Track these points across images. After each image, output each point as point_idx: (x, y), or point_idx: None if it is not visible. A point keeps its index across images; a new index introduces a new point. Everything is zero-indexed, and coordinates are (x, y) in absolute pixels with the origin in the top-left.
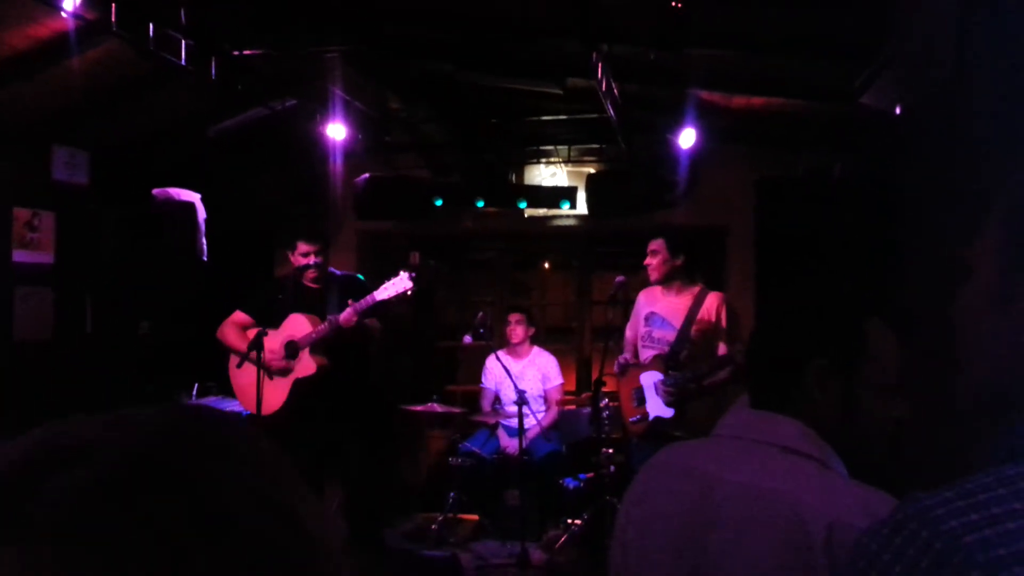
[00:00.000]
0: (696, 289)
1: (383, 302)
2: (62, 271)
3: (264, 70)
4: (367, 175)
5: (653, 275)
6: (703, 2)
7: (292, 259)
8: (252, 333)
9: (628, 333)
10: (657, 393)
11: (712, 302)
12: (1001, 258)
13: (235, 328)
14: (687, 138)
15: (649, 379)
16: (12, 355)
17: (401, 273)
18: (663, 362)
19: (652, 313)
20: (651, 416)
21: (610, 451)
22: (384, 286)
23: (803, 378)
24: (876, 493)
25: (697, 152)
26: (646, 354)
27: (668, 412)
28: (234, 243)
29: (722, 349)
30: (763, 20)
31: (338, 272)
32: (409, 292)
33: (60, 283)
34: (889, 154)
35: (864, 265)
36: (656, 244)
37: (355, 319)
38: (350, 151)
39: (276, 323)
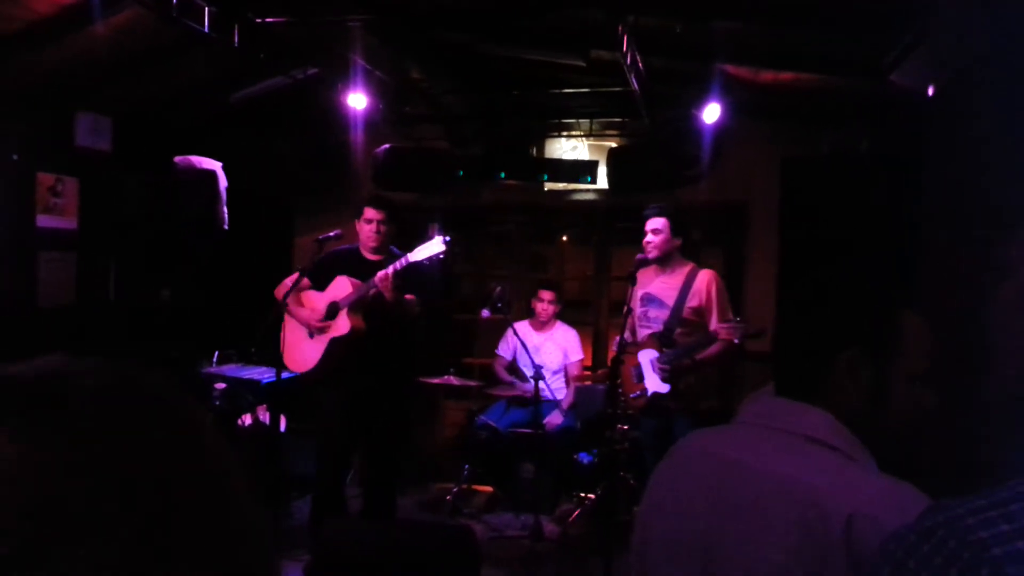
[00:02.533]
0: (688, 268)
1: (416, 265)
2: (85, 237)
3: (286, 38)
4: (387, 145)
5: (652, 253)
6: None
7: (357, 226)
8: (306, 296)
9: (625, 311)
10: (654, 370)
11: (703, 280)
12: None
13: (288, 288)
14: (711, 113)
15: (646, 357)
16: (36, 319)
17: (435, 236)
18: (657, 340)
19: (647, 294)
20: (649, 392)
21: (625, 427)
22: (417, 249)
23: (833, 367)
24: (901, 486)
25: (720, 128)
26: (643, 333)
27: (664, 388)
28: (254, 211)
29: (712, 325)
30: None
31: (398, 251)
32: (442, 255)
33: (83, 249)
34: (918, 134)
35: (892, 249)
36: (659, 223)
37: (391, 280)
38: (370, 121)
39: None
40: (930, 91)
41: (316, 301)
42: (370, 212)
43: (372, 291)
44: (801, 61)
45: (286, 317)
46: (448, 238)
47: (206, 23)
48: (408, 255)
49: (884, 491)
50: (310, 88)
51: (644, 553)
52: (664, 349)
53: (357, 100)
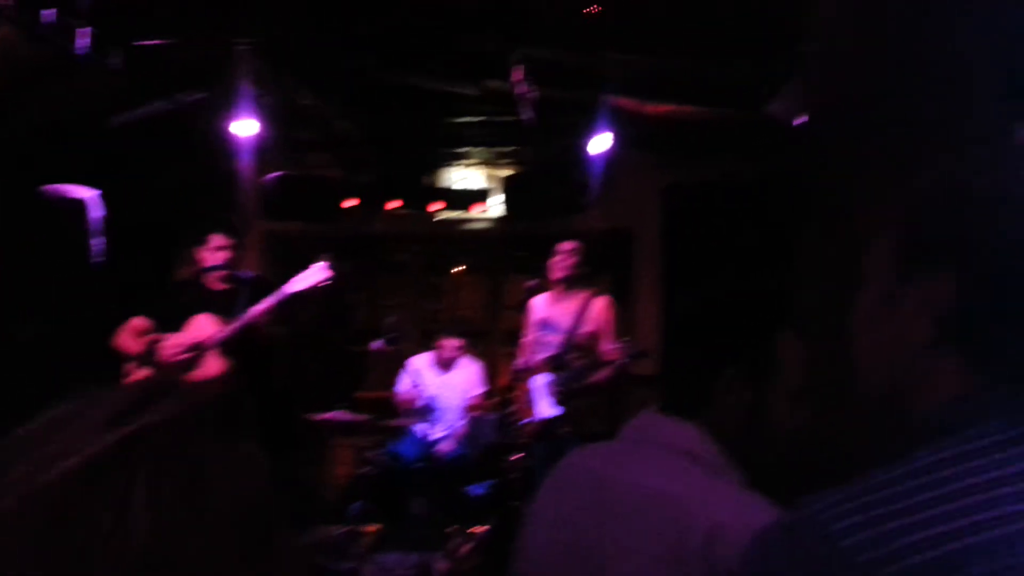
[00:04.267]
0: (584, 294)
1: (297, 296)
2: None
3: (170, 61)
4: (276, 173)
5: (557, 274)
6: (620, 7)
7: (200, 256)
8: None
9: (523, 339)
10: (546, 394)
11: (598, 306)
12: (892, 266)
13: (132, 335)
14: (601, 143)
15: (539, 381)
16: None
17: (316, 263)
18: (551, 364)
19: (543, 319)
20: (541, 416)
21: (517, 456)
22: (297, 277)
23: (714, 386)
24: (758, 500)
25: (610, 156)
26: (537, 358)
27: (557, 411)
28: (135, 242)
29: (604, 349)
30: (676, 27)
31: (245, 274)
32: (323, 284)
33: None
34: (793, 163)
35: (770, 272)
36: (569, 245)
37: (266, 315)
38: (259, 148)
39: (178, 327)
40: (800, 121)
41: (171, 343)
42: (219, 239)
43: (244, 329)
44: (682, 94)
45: (129, 367)
46: (330, 264)
47: (84, 45)
48: (286, 286)
49: (744, 504)
50: (195, 114)
51: (527, 572)
52: (558, 373)
53: (245, 126)
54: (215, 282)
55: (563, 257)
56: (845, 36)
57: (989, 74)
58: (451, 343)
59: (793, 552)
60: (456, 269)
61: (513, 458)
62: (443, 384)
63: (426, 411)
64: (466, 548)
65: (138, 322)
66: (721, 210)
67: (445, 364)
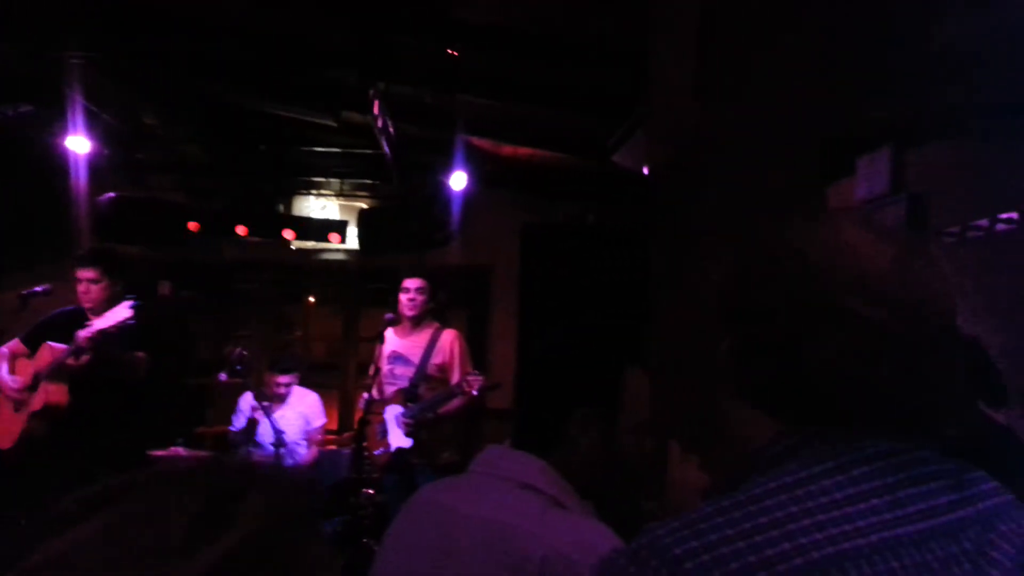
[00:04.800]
0: (433, 327)
1: (107, 333)
2: None
3: None
4: (112, 194)
5: (408, 312)
6: (478, 52)
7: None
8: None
9: (371, 371)
10: (398, 425)
11: (446, 339)
12: (734, 361)
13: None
14: (458, 181)
15: (391, 413)
16: None
17: (124, 302)
18: (403, 395)
19: (393, 352)
20: (392, 447)
21: (370, 492)
22: (104, 314)
23: (565, 425)
24: (596, 527)
25: (468, 194)
26: (389, 390)
27: (408, 442)
28: None
29: (454, 380)
30: (527, 75)
31: (68, 308)
32: (127, 323)
33: None
34: (638, 209)
35: (620, 312)
36: (416, 282)
37: (94, 341)
38: (94, 167)
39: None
40: (645, 171)
41: (21, 370)
42: (79, 272)
43: (78, 356)
44: (536, 138)
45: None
46: (136, 303)
47: None
48: (94, 321)
49: (579, 533)
50: (22, 127)
51: None
52: (409, 404)
53: (78, 143)
54: (91, 314)
55: (411, 295)
56: (683, 99)
57: (807, 136)
58: (283, 379)
59: (639, 574)
60: (309, 299)
61: (366, 493)
62: (279, 417)
63: (261, 446)
64: None
65: (15, 345)
66: (576, 251)
67: (278, 399)
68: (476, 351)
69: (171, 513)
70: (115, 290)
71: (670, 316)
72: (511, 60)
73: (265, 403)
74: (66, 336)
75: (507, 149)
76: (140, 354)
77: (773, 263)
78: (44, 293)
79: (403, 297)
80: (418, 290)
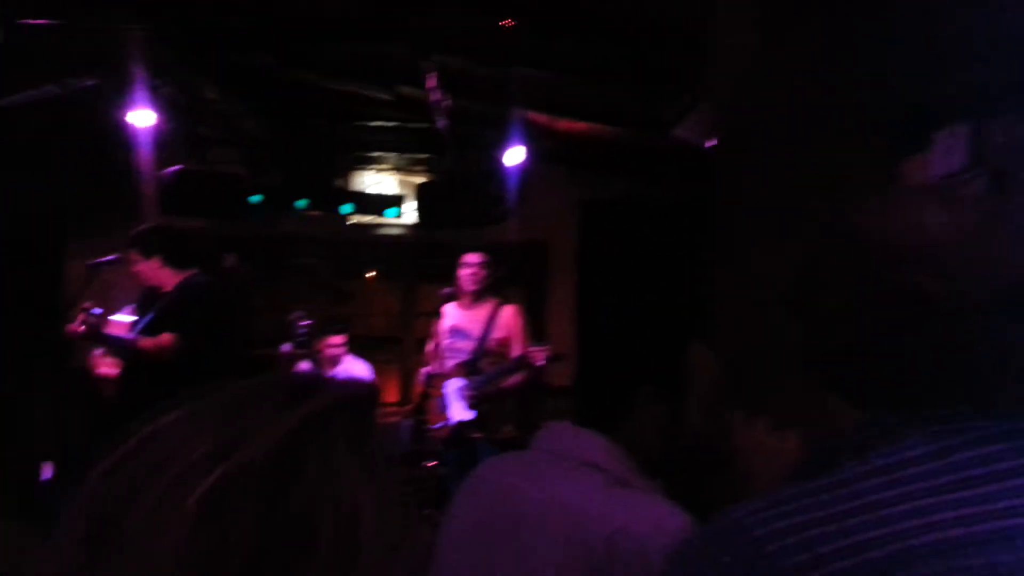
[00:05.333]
0: (493, 302)
1: (176, 301)
2: None
3: (59, 43)
4: (176, 167)
5: (469, 287)
6: (533, 23)
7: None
8: None
9: (430, 346)
10: (459, 398)
11: (507, 314)
12: (814, 349)
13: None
14: (514, 156)
15: (452, 386)
16: None
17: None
18: (464, 368)
19: (453, 326)
20: (454, 421)
21: (432, 464)
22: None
23: (631, 402)
24: (664, 505)
25: (524, 169)
26: (449, 364)
27: (469, 415)
28: (20, 233)
29: (515, 354)
30: (584, 48)
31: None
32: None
33: None
34: (698, 183)
35: (680, 288)
36: (477, 257)
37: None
38: (158, 140)
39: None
40: (706, 144)
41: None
42: (131, 254)
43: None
44: (592, 113)
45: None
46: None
47: None
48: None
49: (646, 511)
50: (88, 101)
51: None
52: (471, 377)
53: (142, 117)
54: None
55: (472, 269)
56: (749, 66)
57: (878, 108)
58: (336, 340)
59: (718, 557)
60: (368, 274)
61: (427, 465)
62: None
63: None
64: None
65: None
66: (634, 227)
67: (331, 363)
68: (533, 328)
69: (251, 400)
70: (168, 268)
71: (732, 292)
72: (568, 32)
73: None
74: (146, 305)
75: (563, 124)
76: (166, 336)
77: (850, 247)
78: (113, 263)
79: (463, 272)
80: (479, 265)
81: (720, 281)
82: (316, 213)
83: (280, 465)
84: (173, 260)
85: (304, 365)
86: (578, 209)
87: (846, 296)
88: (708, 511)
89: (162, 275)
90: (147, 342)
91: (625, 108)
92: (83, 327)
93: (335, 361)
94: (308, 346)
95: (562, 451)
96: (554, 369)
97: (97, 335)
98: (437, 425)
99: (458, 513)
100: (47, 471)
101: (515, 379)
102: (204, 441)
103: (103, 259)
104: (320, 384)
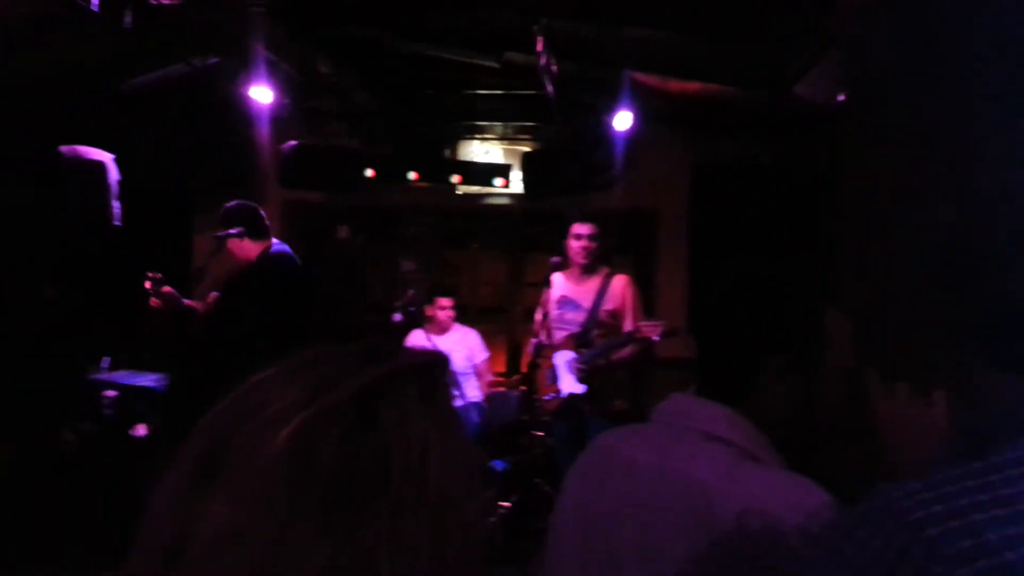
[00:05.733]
0: (603, 272)
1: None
2: None
3: (184, 22)
4: (293, 142)
5: (580, 259)
6: None
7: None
8: None
9: (538, 316)
10: (570, 371)
11: (618, 284)
12: (975, 321)
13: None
14: (622, 120)
15: (562, 358)
16: None
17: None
18: (574, 341)
19: (563, 297)
20: (564, 393)
21: (540, 434)
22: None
23: (760, 374)
24: (798, 480)
25: (632, 135)
26: (558, 335)
27: (580, 388)
28: (150, 207)
29: (627, 326)
30: (698, 3)
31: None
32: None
33: None
34: (821, 143)
35: (806, 253)
36: (587, 228)
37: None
38: (275, 116)
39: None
40: (839, 99)
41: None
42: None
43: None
44: (707, 71)
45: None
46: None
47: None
48: None
49: (779, 486)
50: (210, 79)
51: (555, 554)
52: (581, 350)
53: (261, 93)
54: None
55: (583, 241)
56: (880, 15)
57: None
58: (446, 302)
59: (867, 540)
60: (473, 244)
61: (535, 435)
62: (449, 346)
63: None
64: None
65: None
66: (753, 189)
67: (441, 328)
68: (643, 297)
69: (336, 360)
70: (249, 240)
71: (866, 255)
72: None
73: (428, 335)
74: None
75: (675, 84)
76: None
77: (1008, 204)
78: (238, 235)
79: (574, 243)
80: (590, 236)
81: (852, 244)
82: (425, 184)
83: (358, 410)
84: (253, 232)
85: (415, 333)
86: (690, 173)
87: (1005, 253)
88: (846, 488)
89: (245, 247)
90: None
91: (741, 65)
92: (157, 300)
93: (445, 327)
94: (417, 316)
95: (687, 424)
96: (666, 341)
97: (174, 307)
98: (547, 396)
99: (577, 484)
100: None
101: (626, 352)
102: (295, 390)
103: (229, 231)
104: (396, 350)
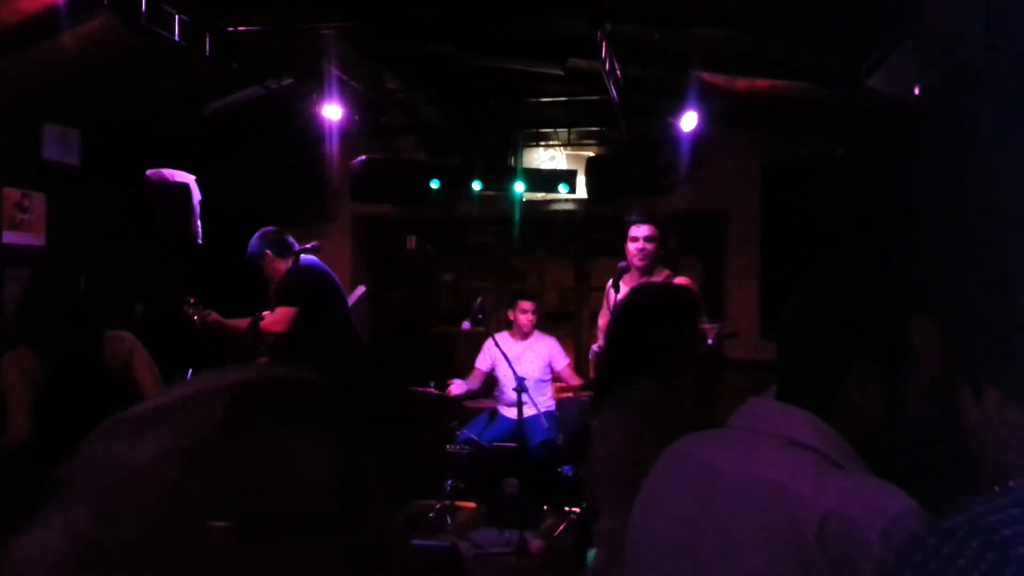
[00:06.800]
0: (665, 274)
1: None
2: (53, 253)
3: (259, 48)
4: (363, 157)
5: (638, 262)
6: None
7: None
8: None
9: (601, 321)
10: None
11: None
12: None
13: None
14: (688, 121)
15: None
16: (1, 338)
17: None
18: None
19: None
20: None
21: None
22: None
23: (843, 381)
24: (883, 487)
25: (698, 136)
26: None
27: None
28: (228, 225)
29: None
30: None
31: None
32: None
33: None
34: (900, 139)
35: (892, 255)
36: (644, 230)
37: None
38: (346, 132)
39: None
40: (916, 91)
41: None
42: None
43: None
44: (776, 68)
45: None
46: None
47: (177, 32)
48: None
49: (862, 492)
50: (284, 99)
51: (635, 559)
52: None
53: (332, 111)
54: None
55: (640, 244)
56: (970, 11)
57: None
58: (527, 305)
59: (953, 557)
60: (539, 250)
61: None
62: (520, 358)
63: (504, 388)
64: (560, 528)
65: None
66: (828, 186)
67: (523, 334)
68: (711, 299)
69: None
70: (278, 260)
71: (951, 257)
72: None
73: (510, 339)
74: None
75: (742, 83)
76: (282, 310)
77: None
78: (314, 249)
79: (631, 246)
80: (647, 239)
81: (937, 245)
82: (491, 193)
83: (224, 444)
84: (278, 251)
85: (488, 342)
86: (760, 173)
87: None
88: (932, 501)
89: (276, 266)
90: (262, 323)
91: (812, 59)
92: (197, 322)
93: (526, 332)
94: (486, 325)
95: (767, 429)
96: (733, 343)
97: (207, 324)
98: None
99: (651, 489)
100: None
101: None
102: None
103: (306, 245)
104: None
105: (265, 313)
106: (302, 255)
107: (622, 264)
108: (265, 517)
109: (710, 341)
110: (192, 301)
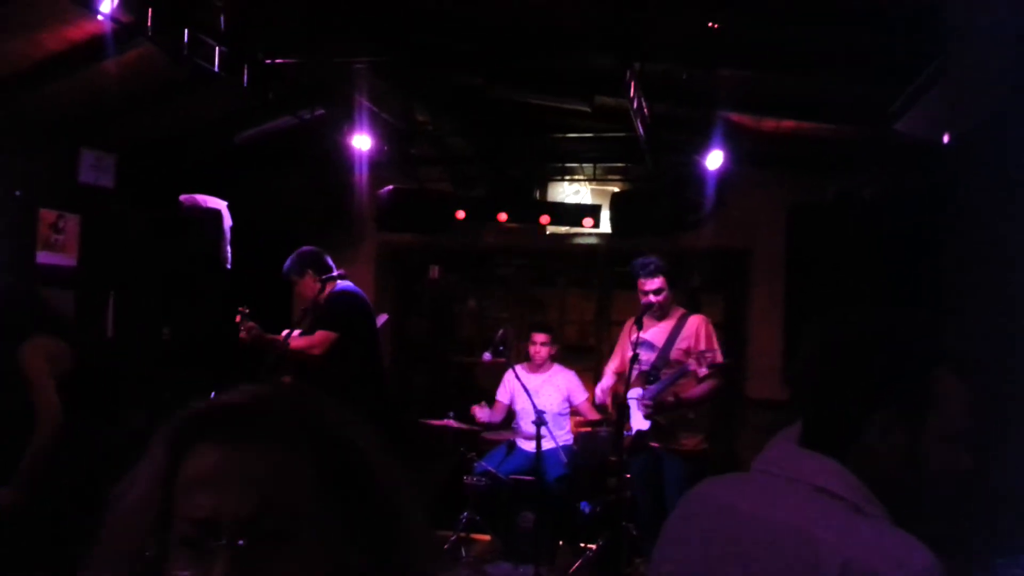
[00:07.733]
0: (679, 312)
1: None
2: (85, 274)
3: (294, 78)
4: (390, 187)
5: (658, 312)
6: (738, 21)
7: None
8: None
9: (614, 362)
10: (639, 407)
11: (693, 324)
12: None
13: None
14: (714, 160)
15: (633, 395)
16: None
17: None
18: (643, 378)
19: (639, 339)
20: (634, 430)
21: (628, 476)
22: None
23: (864, 428)
24: (906, 539)
25: (723, 174)
26: (634, 375)
27: (646, 425)
28: (257, 251)
29: (692, 364)
30: (797, 40)
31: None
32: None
33: (83, 286)
34: (925, 182)
35: (917, 300)
36: (654, 283)
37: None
38: (375, 162)
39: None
40: (945, 139)
41: None
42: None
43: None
44: (803, 109)
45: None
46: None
47: (216, 62)
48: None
49: (885, 542)
50: (316, 129)
51: None
52: (647, 386)
53: (362, 141)
54: None
55: (649, 297)
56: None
57: None
58: (540, 337)
59: None
60: (562, 283)
61: (624, 477)
62: (538, 391)
63: (522, 421)
64: (576, 564)
65: None
66: (854, 228)
67: (537, 366)
68: (733, 337)
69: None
70: (318, 281)
71: (982, 303)
72: (776, 24)
73: (526, 372)
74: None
75: (769, 123)
76: (319, 334)
77: None
78: (340, 276)
79: (643, 299)
80: (656, 291)
81: (959, 293)
82: (515, 225)
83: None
84: (319, 271)
85: (508, 374)
86: (787, 214)
87: None
88: (953, 551)
89: (314, 286)
90: (298, 342)
91: (839, 102)
92: (244, 333)
93: (541, 364)
94: (507, 356)
95: (791, 474)
96: (757, 382)
97: (257, 340)
98: (627, 433)
99: (673, 530)
100: None
101: (696, 391)
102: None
103: (333, 273)
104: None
105: (295, 333)
106: (339, 280)
107: (645, 302)
108: None
109: (703, 371)
110: (243, 310)
